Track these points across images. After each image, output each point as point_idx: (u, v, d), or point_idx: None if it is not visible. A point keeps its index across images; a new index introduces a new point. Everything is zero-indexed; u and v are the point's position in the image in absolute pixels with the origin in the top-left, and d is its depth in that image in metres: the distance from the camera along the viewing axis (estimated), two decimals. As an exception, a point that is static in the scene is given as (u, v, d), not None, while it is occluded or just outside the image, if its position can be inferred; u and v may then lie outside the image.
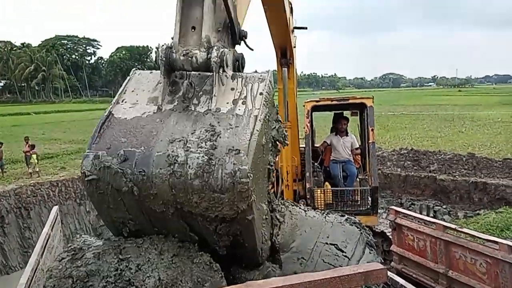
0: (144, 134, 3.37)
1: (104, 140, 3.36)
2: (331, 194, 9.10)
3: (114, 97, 3.81)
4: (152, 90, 3.66)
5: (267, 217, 3.88)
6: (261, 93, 3.53)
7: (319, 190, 9.03)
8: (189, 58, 3.65)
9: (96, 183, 3.36)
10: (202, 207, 3.26)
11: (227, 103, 3.49)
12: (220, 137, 3.26)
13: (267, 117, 3.50)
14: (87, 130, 29.22)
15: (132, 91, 3.71)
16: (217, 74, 3.56)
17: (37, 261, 4.46)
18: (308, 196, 8.88)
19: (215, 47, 3.58)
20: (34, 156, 15.50)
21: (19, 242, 12.35)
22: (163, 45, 3.66)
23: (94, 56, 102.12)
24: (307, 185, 8.90)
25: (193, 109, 3.50)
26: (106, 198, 3.43)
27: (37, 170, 15.21)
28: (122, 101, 3.62)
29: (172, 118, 3.46)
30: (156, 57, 3.71)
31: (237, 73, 3.74)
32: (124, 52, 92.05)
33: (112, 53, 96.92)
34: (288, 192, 9.27)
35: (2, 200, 12.38)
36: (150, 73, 3.82)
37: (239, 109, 3.42)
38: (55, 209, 6.51)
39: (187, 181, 3.21)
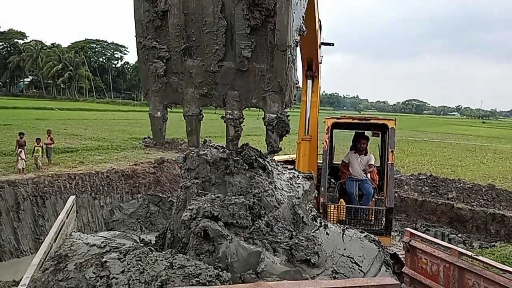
0: None
1: None
2: (344, 211, 9.00)
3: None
4: None
5: (301, 30, 3.81)
6: None
7: (332, 206, 8.94)
8: None
9: None
10: None
11: None
12: None
13: None
14: (108, 129, 29.82)
15: None
16: None
17: (50, 244, 4.49)
18: (321, 211, 8.80)
19: None
20: (39, 149, 15.32)
21: (32, 228, 12.52)
22: None
23: (121, 61, 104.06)
24: (321, 200, 8.81)
25: None
26: None
27: (40, 164, 14.97)
28: None
29: None
30: None
31: None
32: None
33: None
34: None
35: (20, 187, 12.60)
36: None
37: None
38: (72, 198, 6.58)
39: None
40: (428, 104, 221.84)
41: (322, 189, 8.89)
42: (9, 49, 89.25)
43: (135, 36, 3.93)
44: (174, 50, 3.83)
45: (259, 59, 3.68)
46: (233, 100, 3.89)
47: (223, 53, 3.71)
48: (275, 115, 3.80)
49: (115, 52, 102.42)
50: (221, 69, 3.80)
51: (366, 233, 5.42)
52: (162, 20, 3.76)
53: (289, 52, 3.63)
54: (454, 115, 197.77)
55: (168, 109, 4.30)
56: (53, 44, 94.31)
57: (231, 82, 3.84)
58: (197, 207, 4.35)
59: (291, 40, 3.58)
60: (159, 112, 4.12)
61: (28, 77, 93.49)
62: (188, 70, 3.88)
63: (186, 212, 4.38)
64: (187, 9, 3.67)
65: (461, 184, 16.91)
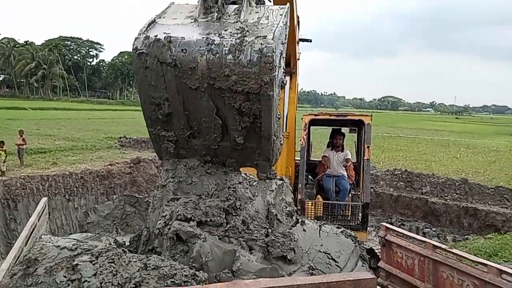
0: (183, 31, 4.10)
1: (151, 32, 4.08)
2: (321, 207, 9.06)
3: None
4: (188, 13, 4.42)
5: (279, 116, 4.66)
6: (281, 14, 4.25)
7: (310, 202, 9.00)
8: None
9: (144, 57, 4.04)
10: (232, 80, 3.92)
11: (253, 18, 4.27)
12: (249, 32, 4.01)
13: (285, 28, 4.25)
14: (83, 129, 29.30)
15: (173, 12, 4.46)
16: None
17: (20, 248, 4.36)
18: (298, 207, 8.82)
19: None
20: (2, 153, 14.20)
21: (3, 232, 12.14)
22: None
23: (96, 59, 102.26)
24: (298, 196, 8.85)
25: (224, 19, 4.28)
26: (150, 75, 4.12)
27: (3, 170, 13.87)
28: (163, 17, 4.35)
29: (207, 24, 4.23)
30: None
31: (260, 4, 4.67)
32: (126, 57, 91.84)
33: (114, 57, 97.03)
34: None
35: (-10, 190, 12.24)
36: (186, 4, 4.61)
37: (263, 22, 4.19)
38: (43, 200, 6.42)
39: (221, 56, 3.88)
40: (403, 100, 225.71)
41: (300, 185, 8.93)
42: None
43: (146, 126, 4.71)
44: (180, 136, 4.64)
45: (250, 141, 4.46)
46: (231, 164, 4.86)
47: (221, 138, 4.53)
48: (265, 175, 4.78)
49: (90, 50, 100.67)
50: (220, 147, 4.66)
51: (342, 229, 5.45)
52: (167, 116, 4.47)
53: (273, 135, 4.41)
54: (428, 111, 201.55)
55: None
56: (26, 41, 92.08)
57: (229, 154, 4.73)
58: (170, 212, 4.33)
59: (274, 130, 4.36)
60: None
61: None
62: (194, 147, 4.74)
63: (160, 220, 4.36)
64: (187, 110, 4.35)
65: (435, 179, 17.25)
